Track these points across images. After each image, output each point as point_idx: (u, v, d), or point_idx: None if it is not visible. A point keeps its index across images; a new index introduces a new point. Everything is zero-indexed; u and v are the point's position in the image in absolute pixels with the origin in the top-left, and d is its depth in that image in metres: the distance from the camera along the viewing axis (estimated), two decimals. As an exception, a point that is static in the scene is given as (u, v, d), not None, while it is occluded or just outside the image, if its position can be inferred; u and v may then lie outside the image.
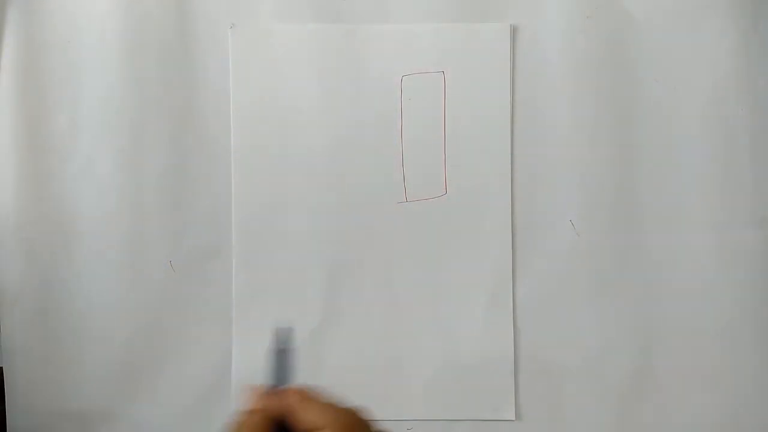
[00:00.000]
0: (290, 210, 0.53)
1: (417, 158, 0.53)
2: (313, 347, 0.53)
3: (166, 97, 0.54)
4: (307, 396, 0.34)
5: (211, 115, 0.54)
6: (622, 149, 0.54)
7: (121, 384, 0.53)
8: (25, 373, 0.53)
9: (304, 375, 0.53)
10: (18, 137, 0.54)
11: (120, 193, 0.54)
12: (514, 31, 0.53)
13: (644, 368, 0.53)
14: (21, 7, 0.54)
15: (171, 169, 0.54)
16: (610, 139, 0.54)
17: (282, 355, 0.35)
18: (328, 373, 0.53)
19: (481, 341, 0.53)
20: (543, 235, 0.53)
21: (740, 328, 0.53)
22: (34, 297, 0.52)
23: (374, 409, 0.34)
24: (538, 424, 0.53)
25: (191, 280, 0.54)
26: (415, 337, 0.53)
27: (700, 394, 0.53)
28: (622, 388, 0.53)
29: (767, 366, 0.53)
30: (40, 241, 0.54)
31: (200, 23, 0.54)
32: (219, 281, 0.53)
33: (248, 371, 0.53)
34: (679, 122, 0.54)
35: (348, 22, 0.54)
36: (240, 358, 0.50)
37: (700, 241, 0.53)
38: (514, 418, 0.53)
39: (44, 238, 0.54)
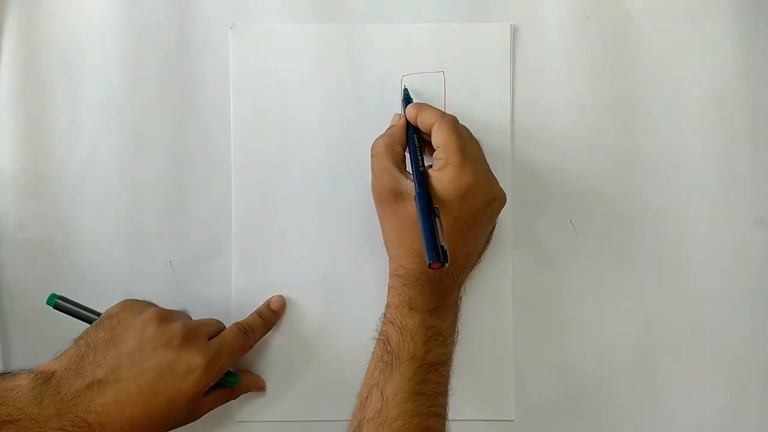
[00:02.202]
0: (290, 210, 0.53)
1: (417, 158, 0.53)
2: (313, 347, 0.53)
3: (166, 97, 0.54)
4: (422, 106, 0.49)
5: (211, 115, 0.54)
6: (622, 149, 0.54)
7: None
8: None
9: (305, 374, 0.54)
10: (18, 137, 0.54)
11: (120, 193, 0.54)
12: (514, 31, 0.53)
13: (645, 368, 0.53)
14: (21, 7, 0.54)
15: (171, 169, 0.54)
16: (610, 138, 0.54)
17: (407, 100, 0.51)
18: (328, 372, 0.53)
19: (481, 341, 0.53)
20: (543, 235, 0.53)
21: (740, 328, 0.53)
22: (35, 297, 0.52)
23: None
24: (539, 425, 0.53)
25: (191, 280, 0.54)
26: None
27: (700, 393, 0.53)
28: (622, 387, 0.53)
29: (767, 366, 0.53)
30: (40, 241, 0.54)
31: (200, 23, 0.54)
32: (219, 281, 0.53)
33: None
34: (679, 122, 0.54)
35: (348, 22, 0.54)
36: (239, 358, 0.50)
37: (700, 240, 0.53)
38: (514, 418, 0.53)
39: (44, 238, 0.54)
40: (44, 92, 0.54)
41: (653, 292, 0.53)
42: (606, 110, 0.54)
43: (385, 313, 0.48)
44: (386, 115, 0.53)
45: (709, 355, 0.53)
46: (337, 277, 0.53)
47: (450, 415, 0.47)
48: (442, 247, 0.41)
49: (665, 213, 0.53)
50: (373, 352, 0.47)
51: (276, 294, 0.53)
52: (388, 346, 0.46)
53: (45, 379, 0.42)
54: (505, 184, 0.48)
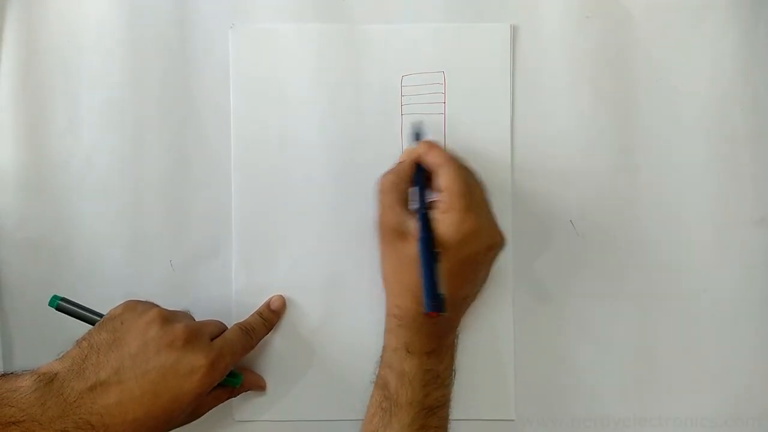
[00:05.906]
0: (290, 210, 0.53)
1: (417, 158, 0.53)
2: (313, 347, 0.53)
3: (166, 97, 0.54)
4: (431, 146, 0.48)
5: (211, 115, 0.54)
6: (622, 149, 0.54)
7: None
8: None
9: (305, 374, 0.54)
10: (18, 137, 0.54)
11: (120, 193, 0.54)
12: (514, 31, 0.54)
13: (645, 368, 0.53)
14: (21, 7, 0.54)
15: (171, 169, 0.54)
16: (610, 138, 0.54)
17: (418, 136, 0.51)
18: (328, 372, 0.53)
19: (482, 341, 0.53)
20: (543, 235, 0.53)
21: (740, 327, 0.53)
22: (36, 297, 0.52)
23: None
24: (539, 424, 0.53)
25: (191, 280, 0.54)
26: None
27: (700, 393, 0.53)
28: (622, 387, 0.53)
29: (767, 365, 0.53)
30: (40, 240, 0.54)
31: (200, 23, 0.54)
32: (219, 281, 0.53)
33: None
34: (679, 122, 0.54)
35: (348, 22, 0.54)
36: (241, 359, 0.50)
37: (700, 240, 0.53)
38: (514, 418, 0.53)
39: (44, 238, 0.54)
40: (44, 92, 0.54)
41: (654, 292, 0.53)
42: (606, 110, 0.54)
43: (382, 357, 0.48)
44: (386, 115, 0.53)
45: (709, 354, 0.53)
46: (337, 277, 0.53)
47: (450, 415, 0.47)
48: (441, 295, 0.41)
49: (665, 213, 0.53)
50: (371, 397, 0.47)
51: (276, 294, 0.53)
52: (387, 391, 0.46)
53: (48, 380, 0.42)
54: (504, 183, 0.48)
